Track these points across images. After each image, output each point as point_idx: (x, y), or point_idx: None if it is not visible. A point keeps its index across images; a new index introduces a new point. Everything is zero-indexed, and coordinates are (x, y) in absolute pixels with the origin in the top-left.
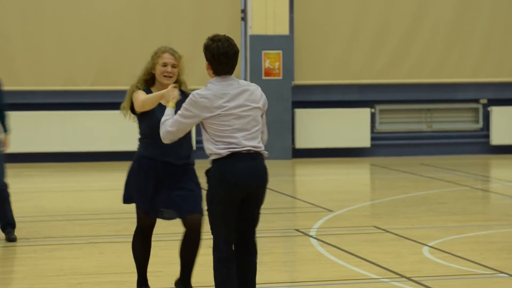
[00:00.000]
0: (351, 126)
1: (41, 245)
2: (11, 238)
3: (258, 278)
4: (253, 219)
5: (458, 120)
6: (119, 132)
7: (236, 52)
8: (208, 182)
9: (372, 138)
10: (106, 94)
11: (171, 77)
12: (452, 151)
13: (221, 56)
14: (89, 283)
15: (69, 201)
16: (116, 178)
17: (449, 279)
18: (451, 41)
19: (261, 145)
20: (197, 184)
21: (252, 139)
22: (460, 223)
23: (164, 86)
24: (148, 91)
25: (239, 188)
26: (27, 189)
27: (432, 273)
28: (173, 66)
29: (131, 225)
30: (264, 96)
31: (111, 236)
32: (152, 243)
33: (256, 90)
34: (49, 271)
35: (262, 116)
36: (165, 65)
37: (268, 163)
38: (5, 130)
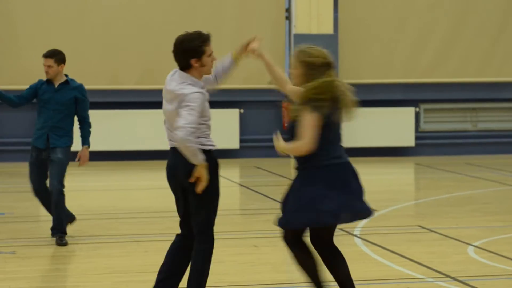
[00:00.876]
0: (395, 126)
1: (85, 243)
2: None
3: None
4: (191, 214)
5: (504, 120)
6: (164, 131)
7: (181, 49)
8: None
9: (417, 138)
10: (150, 93)
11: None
12: (497, 150)
13: None
14: (134, 282)
15: (113, 200)
16: (160, 177)
17: (494, 279)
18: (497, 40)
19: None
20: None
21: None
22: (506, 223)
23: None
24: None
25: (168, 181)
26: (71, 188)
27: (477, 273)
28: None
29: (176, 223)
30: (182, 102)
31: (155, 235)
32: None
33: (179, 94)
34: (94, 270)
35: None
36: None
37: None
38: (83, 143)
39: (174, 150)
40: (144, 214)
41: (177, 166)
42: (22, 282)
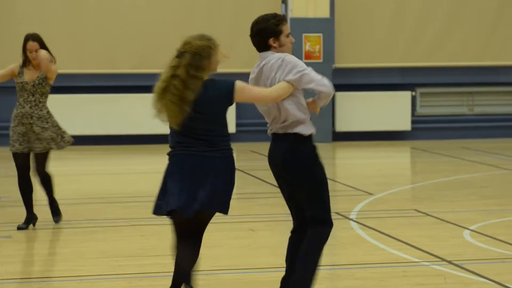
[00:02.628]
0: (391, 109)
1: (82, 227)
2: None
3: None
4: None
5: (500, 103)
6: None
7: (257, 30)
8: None
9: (413, 122)
10: (147, 78)
11: None
12: (494, 134)
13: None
14: (130, 265)
15: (109, 184)
16: (156, 161)
17: (490, 262)
18: (494, 25)
19: None
20: None
21: None
22: (502, 207)
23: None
24: None
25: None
26: (68, 172)
27: (473, 257)
28: None
29: None
30: (292, 70)
31: (151, 219)
32: None
33: (285, 65)
34: (91, 253)
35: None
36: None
37: None
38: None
39: (276, 136)
40: (140, 198)
41: (279, 153)
42: (19, 266)
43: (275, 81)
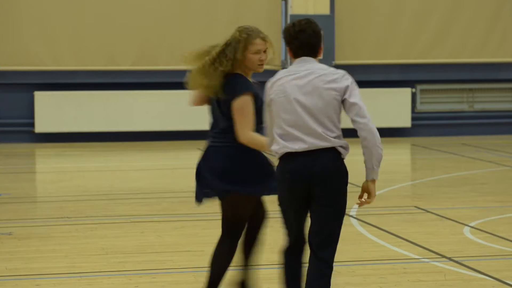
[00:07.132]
0: (391, 106)
1: (83, 224)
2: None
3: None
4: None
5: (500, 100)
6: (160, 112)
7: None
8: None
9: (413, 118)
10: (146, 74)
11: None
12: (494, 131)
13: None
14: (130, 262)
15: (110, 181)
16: (157, 157)
17: (490, 259)
18: (494, 21)
19: None
20: None
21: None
22: (502, 204)
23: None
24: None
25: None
26: (69, 169)
27: (473, 254)
28: (264, 52)
29: (172, 205)
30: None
31: (152, 216)
32: (193, 223)
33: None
34: (91, 250)
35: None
36: (258, 52)
37: None
38: None
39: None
40: (141, 195)
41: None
42: (19, 263)
43: None
